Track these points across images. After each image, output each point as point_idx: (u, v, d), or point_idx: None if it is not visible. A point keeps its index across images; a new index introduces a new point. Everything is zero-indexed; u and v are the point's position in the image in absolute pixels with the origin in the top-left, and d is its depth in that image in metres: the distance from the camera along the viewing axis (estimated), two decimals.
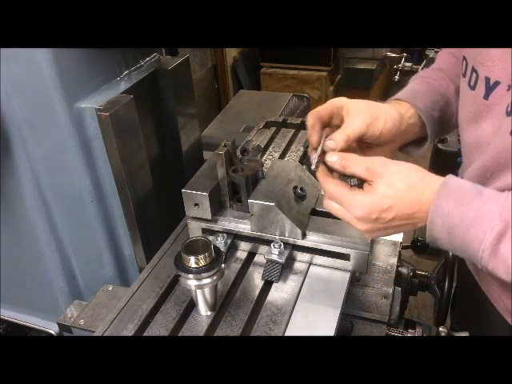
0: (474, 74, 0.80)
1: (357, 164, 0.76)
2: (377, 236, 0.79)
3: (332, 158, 0.79)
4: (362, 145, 0.90)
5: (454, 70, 0.96)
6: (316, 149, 0.83)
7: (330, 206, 0.81)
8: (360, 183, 0.77)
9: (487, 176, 0.80)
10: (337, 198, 0.78)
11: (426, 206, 0.71)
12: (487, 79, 0.77)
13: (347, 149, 0.83)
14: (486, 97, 0.78)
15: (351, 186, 0.78)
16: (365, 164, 0.75)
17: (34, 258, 1.21)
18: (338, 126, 0.89)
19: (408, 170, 0.74)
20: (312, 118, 0.85)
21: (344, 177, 0.80)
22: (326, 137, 0.84)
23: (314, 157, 0.82)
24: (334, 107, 0.88)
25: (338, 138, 0.82)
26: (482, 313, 1.00)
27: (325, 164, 0.82)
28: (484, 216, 0.66)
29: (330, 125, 0.88)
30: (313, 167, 0.83)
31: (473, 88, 0.81)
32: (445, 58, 1.04)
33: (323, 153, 0.82)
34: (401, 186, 0.72)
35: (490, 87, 0.77)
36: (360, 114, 0.86)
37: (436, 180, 0.72)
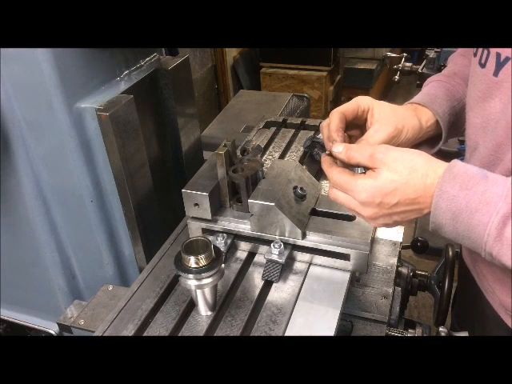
0: (486, 51, 0.80)
1: (361, 152, 0.77)
2: (383, 224, 0.78)
3: (338, 149, 0.79)
4: None
5: (468, 72, 0.95)
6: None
7: (334, 194, 0.81)
8: (366, 171, 0.77)
9: (499, 155, 0.79)
10: (340, 184, 0.78)
11: (431, 191, 0.70)
12: (498, 55, 0.77)
13: None
14: (496, 73, 0.78)
15: (358, 173, 0.78)
16: (368, 152, 0.75)
17: (34, 258, 1.21)
18: (359, 126, 0.90)
19: (411, 154, 0.74)
20: (336, 119, 0.85)
21: (351, 167, 0.80)
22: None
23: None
24: (359, 109, 0.88)
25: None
26: (481, 312, 1.00)
27: (330, 155, 0.82)
28: (489, 199, 0.65)
29: (351, 124, 0.89)
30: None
31: (483, 65, 0.81)
32: (458, 61, 1.05)
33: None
34: (404, 171, 0.72)
35: (501, 63, 0.76)
36: (386, 125, 0.87)
37: (440, 164, 0.72)
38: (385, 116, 0.88)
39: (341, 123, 0.86)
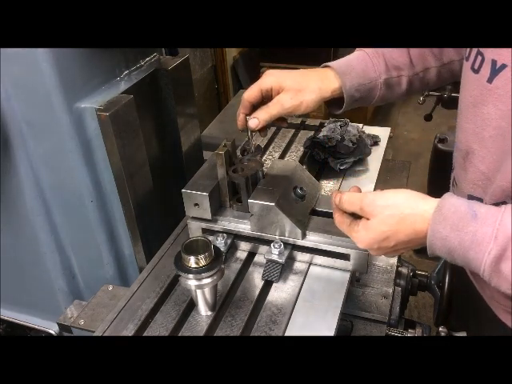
0: (480, 57, 0.80)
1: (351, 206, 0.82)
2: (392, 255, 0.86)
3: (336, 200, 0.85)
4: None
5: (394, 62, 0.99)
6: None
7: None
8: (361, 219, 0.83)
9: (504, 161, 0.79)
10: (342, 230, 0.86)
11: (422, 233, 0.74)
12: (493, 62, 0.77)
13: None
14: (490, 80, 0.78)
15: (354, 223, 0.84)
16: (357, 205, 0.81)
17: (34, 258, 1.21)
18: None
19: (397, 199, 0.77)
20: (244, 103, 0.98)
21: None
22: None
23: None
24: (262, 91, 0.98)
25: (261, 117, 0.96)
26: (474, 308, 1.01)
27: None
28: (481, 240, 0.68)
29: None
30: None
31: (476, 71, 0.81)
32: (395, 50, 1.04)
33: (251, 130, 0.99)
34: (393, 221, 0.76)
35: (496, 70, 0.76)
36: (284, 101, 0.95)
37: (427, 208, 0.74)
38: (284, 89, 0.96)
39: (247, 106, 0.98)
